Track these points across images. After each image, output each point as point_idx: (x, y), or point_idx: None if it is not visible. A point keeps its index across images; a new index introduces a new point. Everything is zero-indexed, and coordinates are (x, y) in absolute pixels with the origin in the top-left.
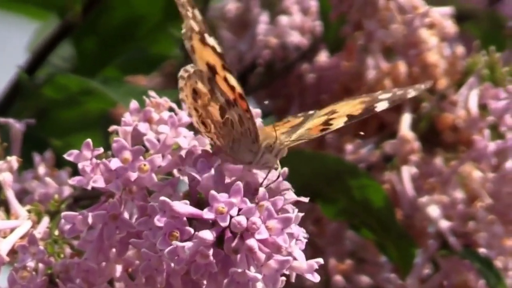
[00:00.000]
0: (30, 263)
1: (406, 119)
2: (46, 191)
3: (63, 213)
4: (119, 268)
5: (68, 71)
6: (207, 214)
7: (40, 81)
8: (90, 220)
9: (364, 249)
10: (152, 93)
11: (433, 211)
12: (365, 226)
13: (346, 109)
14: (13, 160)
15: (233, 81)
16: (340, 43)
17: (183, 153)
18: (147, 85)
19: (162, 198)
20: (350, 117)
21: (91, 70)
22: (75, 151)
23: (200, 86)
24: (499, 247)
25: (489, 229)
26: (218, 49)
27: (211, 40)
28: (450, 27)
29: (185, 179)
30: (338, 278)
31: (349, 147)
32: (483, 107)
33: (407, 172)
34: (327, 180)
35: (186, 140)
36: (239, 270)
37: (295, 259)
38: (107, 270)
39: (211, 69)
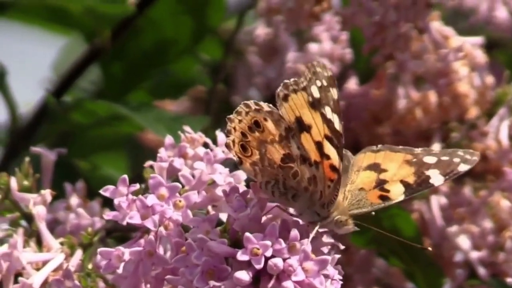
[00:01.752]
0: None
1: (435, 148)
2: (79, 223)
3: (99, 250)
4: None
5: (94, 94)
6: (241, 256)
7: (68, 105)
8: (126, 256)
9: (391, 277)
10: (187, 128)
11: (463, 241)
12: (393, 254)
13: (392, 167)
14: (47, 194)
15: (332, 153)
16: (370, 72)
17: (226, 188)
18: (175, 109)
19: (200, 236)
20: (404, 184)
21: (118, 94)
22: (111, 187)
23: (270, 125)
24: None
25: None
26: (337, 126)
27: (332, 116)
28: (481, 57)
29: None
30: None
31: None
32: None
33: (436, 201)
34: None
35: (221, 176)
36: None
37: None
38: None
39: (300, 124)
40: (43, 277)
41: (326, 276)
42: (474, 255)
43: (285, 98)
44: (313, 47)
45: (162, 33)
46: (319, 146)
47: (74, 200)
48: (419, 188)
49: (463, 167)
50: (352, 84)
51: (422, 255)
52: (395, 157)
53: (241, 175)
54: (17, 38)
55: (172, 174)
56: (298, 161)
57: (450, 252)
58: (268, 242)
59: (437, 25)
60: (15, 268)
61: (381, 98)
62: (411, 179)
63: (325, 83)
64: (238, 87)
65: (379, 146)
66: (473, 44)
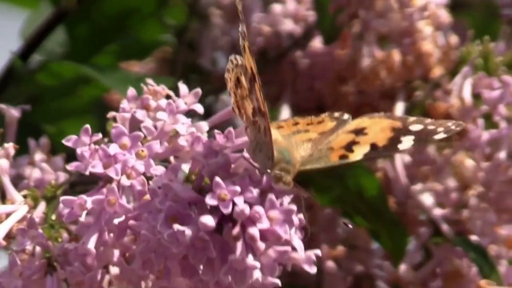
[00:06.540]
0: (28, 247)
1: (399, 107)
2: (42, 177)
3: (61, 198)
4: (116, 253)
5: (61, 56)
6: (210, 200)
7: (34, 67)
8: (88, 204)
9: (356, 237)
10: (149, 80)
11: (426, 199)
12: (358, 213)
13: (374, 132)
14: (10, 147)
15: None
16: (335, 33)
17: (189, 138)
18: (140, 71)
19: (165, 181)
20: (372, 147)
21: (84, 56)
22: (74, 137)
23: (243, 80)
24: (492, 235)
25: (482, 216)
26: (253, 64)
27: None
28: (445, 16)
29: (183, 166)
30: (330, 263)
31: None
32: (476, 96)
33: (400, 159)
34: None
35: (184, 127)
36: (238, 258)
37: (294, 249)
38: (104, 255)
39: (252, 73)
40: (7, 229)
41: (291, 225)
42: (438, 212)
43: (244, 48)
44: (276, 7)
45: None
46: (261, 92)
47: (37, 155)
48: (384, 151)
49: (440, 135)
50: (317, 43)
51: (387, 214)
52: (384, 123)
53: (204, 125)
54: None
55: (134, 125)
56: (257, 113)
57: (414, 210)
58: (238, 188)
59: None
60: None
61: (345, 58)
62: (381, 143)
63: (241, 15)
64: (203, 50)
65: (381, 113)
66: (437, 4)
